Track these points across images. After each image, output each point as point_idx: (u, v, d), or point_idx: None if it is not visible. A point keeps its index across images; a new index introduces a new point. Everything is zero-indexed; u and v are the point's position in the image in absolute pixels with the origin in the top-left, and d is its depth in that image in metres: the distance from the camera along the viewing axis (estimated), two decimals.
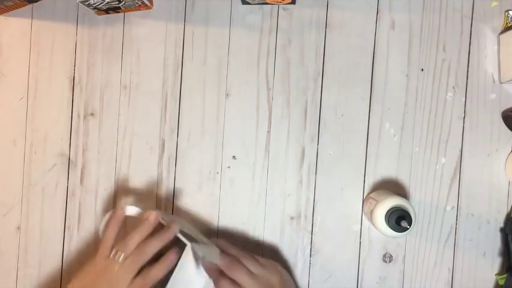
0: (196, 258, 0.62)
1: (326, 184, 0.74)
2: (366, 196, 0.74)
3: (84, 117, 0.77)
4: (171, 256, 0.63)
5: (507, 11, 0.73)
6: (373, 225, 0.68)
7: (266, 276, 0.64)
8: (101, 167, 0.76)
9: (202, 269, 0.63)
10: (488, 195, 0.73)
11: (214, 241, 0.70)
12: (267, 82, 0.75)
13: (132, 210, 0.68)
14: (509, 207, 0.73)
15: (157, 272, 0.62)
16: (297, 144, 0.75)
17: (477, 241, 0.73)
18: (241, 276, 0.63)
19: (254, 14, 0.75)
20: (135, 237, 0.63)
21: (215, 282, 0.63)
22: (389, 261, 0.74)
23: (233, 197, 0.75)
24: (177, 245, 0.63)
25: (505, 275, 0.71)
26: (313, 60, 0.75)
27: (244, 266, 0.64)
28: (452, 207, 0.73)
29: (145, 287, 0.61)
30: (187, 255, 0.62)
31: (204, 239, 0.69)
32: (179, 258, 0.62)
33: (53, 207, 0.77)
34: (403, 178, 0.74)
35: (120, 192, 0.76)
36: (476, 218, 0.73)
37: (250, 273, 0.64)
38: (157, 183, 0.76)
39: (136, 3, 0.73)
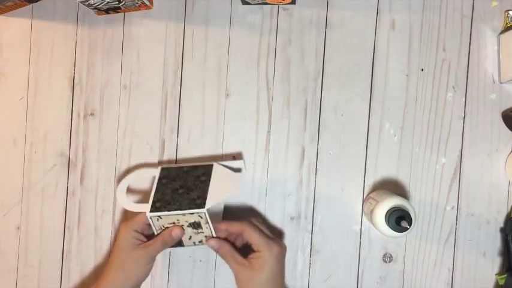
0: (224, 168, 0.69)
1: (326, 184, 0.74)
2: (366, 196, 0.74)
3: (84, 117, 0.77)
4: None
5: (507, 11, 0.73)
6: (373, 225, 0.68)
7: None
8: (101, 167, 0.76)
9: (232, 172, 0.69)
10: (488, 195, 0.73)
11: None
12: (267, 82, 0.75)
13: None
14: (509, 207, 0.73)
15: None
16: (297, 144, 0.75)
17: (477, 241, 0.73)
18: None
19: (254, 14, 0.75)
20: None
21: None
22: (389, 261, 0.74)
23: (233, 197, 0.75)
24: (203, 177, 0.68)
25: (505, 275, 0.71)
26: (313, 60, 0.75)
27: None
28: (452, 207, 0.73)
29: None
30: (216, 169, 0.69)
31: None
32: (209, 180, 0.68)
33: (53, 207, 0.77)
34: (403, 178, 0.74)
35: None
36: (476, 218, 0.73)
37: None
38: None
39: (137, 3, 0.73)
